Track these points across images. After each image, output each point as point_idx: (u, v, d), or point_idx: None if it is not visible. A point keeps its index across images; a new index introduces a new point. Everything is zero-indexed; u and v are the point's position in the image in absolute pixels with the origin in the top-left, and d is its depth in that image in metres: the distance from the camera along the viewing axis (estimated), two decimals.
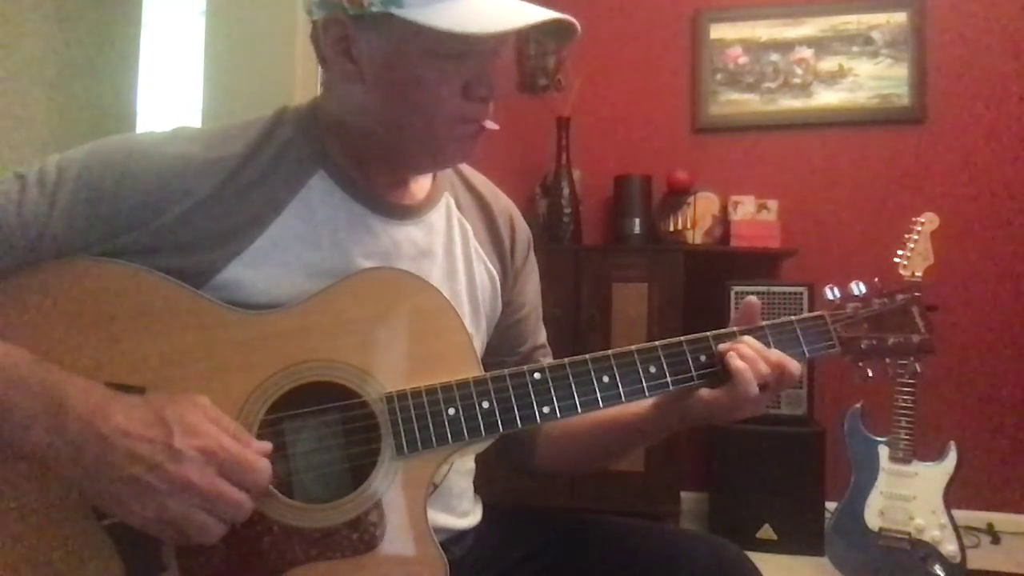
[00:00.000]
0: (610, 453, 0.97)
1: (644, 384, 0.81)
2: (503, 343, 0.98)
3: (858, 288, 0.89)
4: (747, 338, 0.84)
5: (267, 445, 0.71)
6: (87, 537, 0.69)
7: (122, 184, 0.75)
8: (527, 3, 0.76)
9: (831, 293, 0.90)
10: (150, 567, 0.70)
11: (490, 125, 0.81)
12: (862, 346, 0.89)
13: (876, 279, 0.90)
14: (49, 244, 0.73)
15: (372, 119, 0.81)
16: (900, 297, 0.90)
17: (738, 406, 0.82)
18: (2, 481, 0.69)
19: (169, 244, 0.76)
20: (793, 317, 0.87)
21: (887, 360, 0.90)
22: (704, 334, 0.84)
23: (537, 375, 0.79)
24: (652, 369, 0.81)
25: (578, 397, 0.80)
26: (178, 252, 0.76)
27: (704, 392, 0.84)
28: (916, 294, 0.90)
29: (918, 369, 0.92)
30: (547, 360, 1.00)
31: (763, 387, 0.81)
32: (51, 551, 0.69)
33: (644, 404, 0.88)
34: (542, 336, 1.03)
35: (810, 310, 1.72)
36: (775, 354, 0.83)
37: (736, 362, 0.81)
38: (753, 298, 0.88)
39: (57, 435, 0.66)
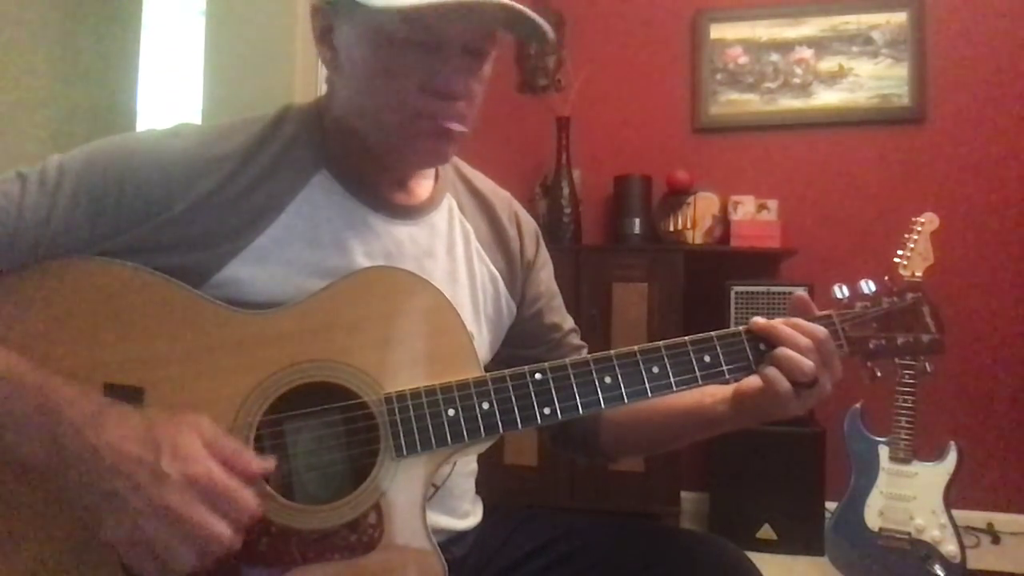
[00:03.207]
0: (682, 439, 0.97)
1: (647, 384, 0.80)
2: (531, 336, 0.99)
3: (867, 287, 0.87)
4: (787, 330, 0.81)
5: (269, 463, 0.69)
6: (89, 536, 0.69)
7: (123, 182, 0.75)
8: None
9: (840, 291, 0.88)
10: None
11: (455, 127, 0.78)
12: (871, 346, 0.86)
13: (886, 277, 0.88)
14: (50, 243, 0.73)
15: (349, 110, 0.80)
16: (910, 296, 0.87)
17: (779, 403, 0.80)
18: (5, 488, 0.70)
19: (170, 241, 0.75)
20: (800, 319, 0.84)
21: (896, 360, 0.88)
22: (709, 334, 0.83)
23: (538, 376, 0.79)
24: (655, 369, 0.81)
25: (580, 398, 0.79)
26: (179, 249, 0.76)
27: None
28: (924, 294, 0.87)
29: (928, 368, 0.90)
30: (577, 340, 1.01)
31: (811, 383, 0.80)
32: (53, 550, 0.69)
33: (725, 397, 0.87)
34: (569, 320, 1.03)
35: None
36: (806, 341, 0.80)
37: (767, 370, 0.80)
38: (802, 292, 0.85)
39: (50, 445, 0.65)
